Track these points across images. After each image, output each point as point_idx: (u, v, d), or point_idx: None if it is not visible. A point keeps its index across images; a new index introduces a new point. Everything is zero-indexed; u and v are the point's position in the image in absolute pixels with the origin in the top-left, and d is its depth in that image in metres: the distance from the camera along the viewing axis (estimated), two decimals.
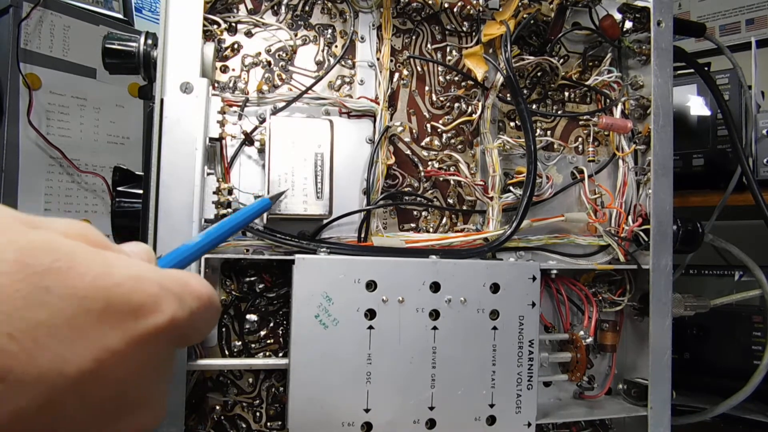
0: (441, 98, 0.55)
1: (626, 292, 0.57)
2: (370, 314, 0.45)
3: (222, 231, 0.35)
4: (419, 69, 0.54)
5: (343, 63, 0.52)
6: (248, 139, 0.48)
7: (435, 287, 0.47)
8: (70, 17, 1.03)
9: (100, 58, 0.47)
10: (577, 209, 0.57)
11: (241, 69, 0.50)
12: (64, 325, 0.19)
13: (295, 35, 0.51)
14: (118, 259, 0.22)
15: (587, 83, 0.58)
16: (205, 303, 0.25)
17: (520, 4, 0.54)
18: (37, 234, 0.20)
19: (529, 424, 0.49)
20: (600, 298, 0.57)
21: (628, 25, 0.58)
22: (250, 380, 0.48)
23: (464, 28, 0.56)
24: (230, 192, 0.46)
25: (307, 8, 0.52)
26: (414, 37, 0.54)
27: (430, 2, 0.54)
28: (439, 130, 0.54)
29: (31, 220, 0.21)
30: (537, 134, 0.57)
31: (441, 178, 0.54)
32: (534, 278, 0.49)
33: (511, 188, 0.53)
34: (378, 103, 0.51)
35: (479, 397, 0.48)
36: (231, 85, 0.49)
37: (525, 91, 0.57)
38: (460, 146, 0.55)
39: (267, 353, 0.49)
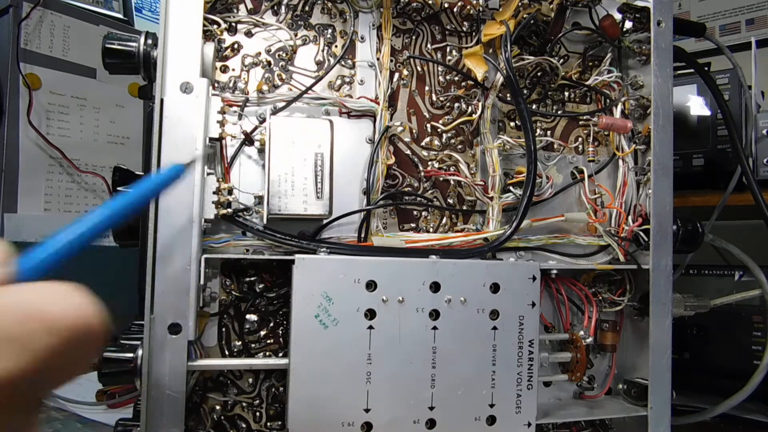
0: (441, 98, 0.55)
1: (626, 292, 0.57)
2: (370, 314, 0.45)
3: (117, 209, 0.25)
4: (419, 69, 0.54)
5: (343, 63, 0.52)
6: (248, 139, 0.48)
7: (435, 287, 0.47)
8: (70, 17, 1.03)
9: (100, 58, 0.47)
10: (577, 209, 0.57)
11: (241, 69, 0.50)
12: None
13: (295, 35, 0.51)
14: None
15: (587, 83, 0.58)
16: (69, 333, 0.19)
17: (520, 4, 0.54)
18: None
19: (529, 424, 0.49)
20: (600, 298, 0.57)
21: (628, 25, 0.58)
22: (250, 380, 0.48)
23: (464, 28, 0.56)
24: (230, 192, 0.46)
25: (307, 8, 0.52)
26: (414, 37, 0.54)
27: (430, 2, 0.54)
28: (439, 130, 0.54)
29: None
30: (537, 134, 0.57)
31: (441, 178, 0.54)
32: (534, 278, 0.49)
33: (511, 188, 0.53)
34: (378, 103, 0.51)
35: (479, 397, 0.48)
36: (231, 85, 0.49)
37: (525, 91, 0.57)
38: (460, 146, 0.55)
39: (267, 353, 0.49)
